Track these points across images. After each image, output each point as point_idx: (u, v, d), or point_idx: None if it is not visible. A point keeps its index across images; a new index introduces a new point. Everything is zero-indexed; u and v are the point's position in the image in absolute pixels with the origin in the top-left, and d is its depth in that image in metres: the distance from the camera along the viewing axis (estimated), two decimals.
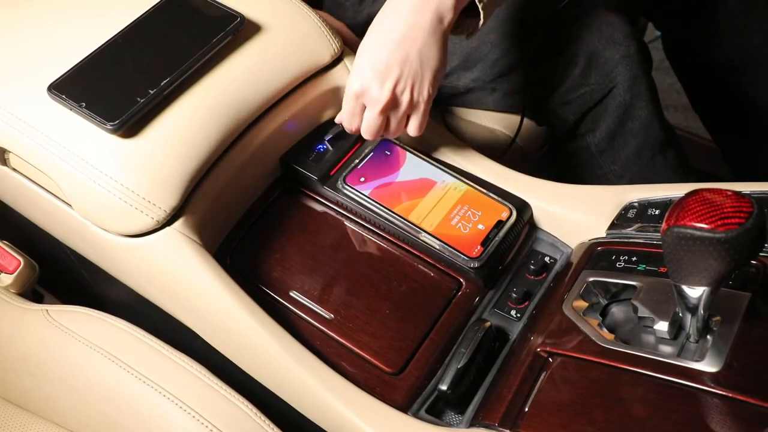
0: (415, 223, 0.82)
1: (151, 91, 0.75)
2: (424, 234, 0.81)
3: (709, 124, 1.22)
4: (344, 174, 0.85)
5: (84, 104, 0.75)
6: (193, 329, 0.81)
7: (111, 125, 0.73)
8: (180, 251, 0.76)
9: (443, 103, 1.09)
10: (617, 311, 0.73)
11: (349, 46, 0.90)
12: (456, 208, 0.83)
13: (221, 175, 0.80)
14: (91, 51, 0.80)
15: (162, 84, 0.76)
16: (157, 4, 0.84)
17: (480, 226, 0.82)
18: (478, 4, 0.77)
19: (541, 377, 0.68)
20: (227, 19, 0.82)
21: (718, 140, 1.22)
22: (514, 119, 1.04)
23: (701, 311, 0.62)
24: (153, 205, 0.75)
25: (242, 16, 0.82)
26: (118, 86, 0.78)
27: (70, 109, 0.76)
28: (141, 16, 0.83)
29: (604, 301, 0.73)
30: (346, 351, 0.76)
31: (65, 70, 0.79)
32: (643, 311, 0.67)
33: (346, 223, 0.85)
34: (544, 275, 0.83)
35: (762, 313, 0.64)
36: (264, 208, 0.86)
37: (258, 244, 0.83)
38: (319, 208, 0.86)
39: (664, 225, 0.58)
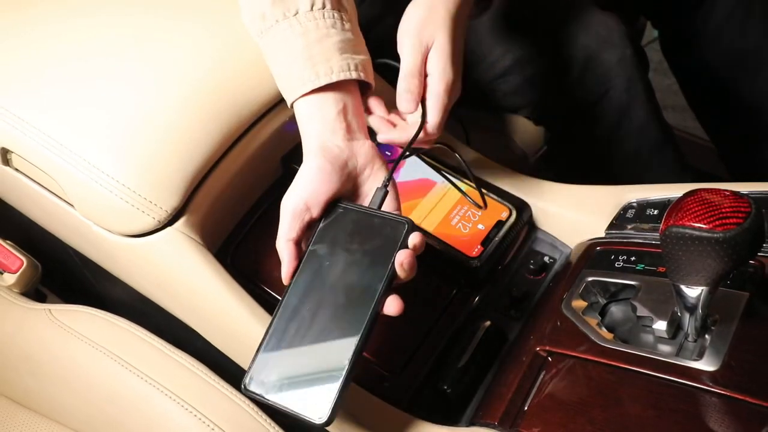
0: (416, 223, 0.82)
1: (344, 373, 0.61)
2: (424, 234, 0.81)
3: (705, 123, 1.22)
4: None
5: (286, 404, 0.62)
6: (195, 329, 0.81)
7: (320, 421, 0.61)
8: (181, 251, 0.76)
9: None
10: (616, 311, 0.73)
11: None
12: (456, 208, 0.84)
13: (222, 175, 0.80)
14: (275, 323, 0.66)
15: (351, 362, 0.62)
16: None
17: (480, 226, 0.82)
18: None
19: (541, 376, 0.68)
20: (396, 227, 0.66)
21: (715, 140, 1.22)
22: (511, 119, 1.05)
23: (700, 311, 0.62)
24: (154, 205, 0.75)
25: (411, 222, 0.66)
26: (308, 371, 0.63)
27: (273, 406, 0.63)
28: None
29: (603, 301, 0.74)
30: None
31: (252, 363, 0.65)
32: (642, 311, 0.67)
33: None
34: (543, 275, 0.83)
35: (760, 312, 0.65)
36: (265, 208, 0.86)
37: (259, 243, 0.83)
38: None
39: (662, 225, 0.59)
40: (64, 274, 0.98)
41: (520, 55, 0.99)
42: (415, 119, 0.75)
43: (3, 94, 0.81)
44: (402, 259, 0.64)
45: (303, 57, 0.69)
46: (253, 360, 0.65)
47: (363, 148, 0.70)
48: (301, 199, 0.67)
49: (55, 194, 0.83)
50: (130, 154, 0.76)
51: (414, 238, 0.65)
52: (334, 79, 0.69)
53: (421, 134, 0.74)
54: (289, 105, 0.72)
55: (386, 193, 0.69)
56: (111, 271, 0.86)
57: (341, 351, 0.62)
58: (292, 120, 0.85)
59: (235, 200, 0.83)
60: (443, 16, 0.75)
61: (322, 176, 0.67)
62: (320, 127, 0.69)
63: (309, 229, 0.68)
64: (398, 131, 0.75)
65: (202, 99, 0.79)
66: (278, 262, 0.68)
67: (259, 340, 0.65)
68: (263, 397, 0.64)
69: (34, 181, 0.84)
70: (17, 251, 0.91)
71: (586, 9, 0.98)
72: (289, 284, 0.67)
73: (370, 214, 0.68)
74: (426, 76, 0.74)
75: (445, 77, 0.74)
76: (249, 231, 0.84)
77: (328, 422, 0.61)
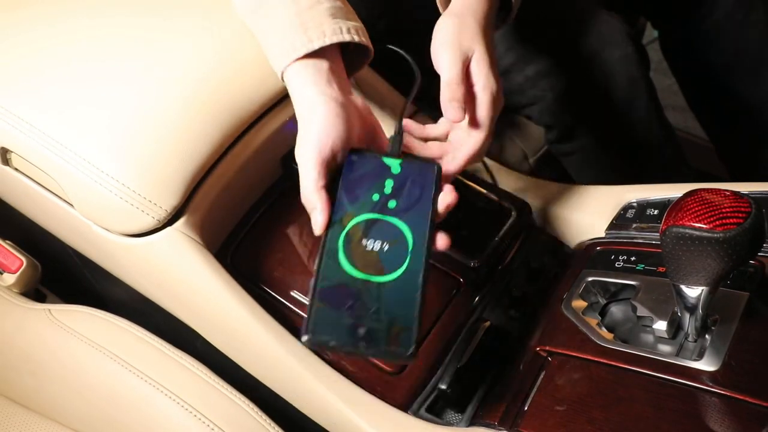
0: None
1: (417, 305, 0.60)
2: None
3: (706, 123, 1.22)
4: None
5: (363, 344, 0.58)
6: (195, 329, 0.81)
7: (409, 353, 0.58)
8: (181, 251, 0.76)
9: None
10: (616, 311, 0.73)
11: None
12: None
13: (222, 175, 0.81)
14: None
15: (421, 293, 0.60)
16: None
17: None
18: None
19: (541, 376, 0.68)
20: (425, 169, 0.66)
21: (715, 140, 1.22)
22: (511, 119, 1.05)
23: (700, 311, 0.62)
24: (154, 204, 0.75)
25: (439, 164, 0.67)
26: (377, 311, 0.60)
27: (346, 351, 0.60)
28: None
29: (603, 301, 0.74)
30: None
31: (309, 313, 0.59)
32: (642, 311, 0.67)
33: None
34: (543, 275, 0.83)
35: (760, 312, 0.65)
36: (265, 207, 0.86)
37: (259, 243, 0.83)
38: None
39: (662, 225, 0.59)
40: (64, 274, 0.98)
41: (520, 54, 0.99)
42: (439, 133, 0.75)
43: (3, 94, 0.81)
44: (447, 201, 0.64)
45: (294, 24, 0.68)
46: (310, 310, 0.59)
47: (359, 101, 0.69)
48: (326, 145, 0.64)
49: (55, 194, 0.83)
50: (130, 154, 0.76)
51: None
52: (327, 42, 0.68)
53: (474, 149, 0.73)
54: (279, 75, 0.70)
55: (401, 141, 0.68)
56: (111, 271, 0.86)
57: (406, 285, 0.60)
58: (292, 120, 0.86)
59: (235, 200, 0.83)
60: (475, 27, 0.74)
61: (339, 121, 0.65)
62: (317, 88, 0.67)
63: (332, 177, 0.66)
64: (445, 158, 0.74)
65: (202, 99, 0.80)
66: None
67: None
68: (335, 345, 0.59)
69: (34, 181, 0.84)
70: (17, 251, 0.91)
71: (587, 7, 0.98)
72: (326, 233, 0.63)
73: (396, 159, 0.66)
74: (471, 86, 0.73)
75: (490, 87, 0.73)
76: (249, 231, 0.84)
77: (414, 354, 0.58)
